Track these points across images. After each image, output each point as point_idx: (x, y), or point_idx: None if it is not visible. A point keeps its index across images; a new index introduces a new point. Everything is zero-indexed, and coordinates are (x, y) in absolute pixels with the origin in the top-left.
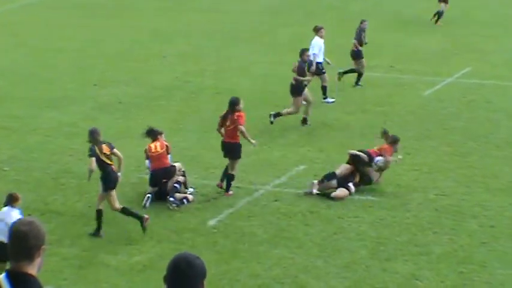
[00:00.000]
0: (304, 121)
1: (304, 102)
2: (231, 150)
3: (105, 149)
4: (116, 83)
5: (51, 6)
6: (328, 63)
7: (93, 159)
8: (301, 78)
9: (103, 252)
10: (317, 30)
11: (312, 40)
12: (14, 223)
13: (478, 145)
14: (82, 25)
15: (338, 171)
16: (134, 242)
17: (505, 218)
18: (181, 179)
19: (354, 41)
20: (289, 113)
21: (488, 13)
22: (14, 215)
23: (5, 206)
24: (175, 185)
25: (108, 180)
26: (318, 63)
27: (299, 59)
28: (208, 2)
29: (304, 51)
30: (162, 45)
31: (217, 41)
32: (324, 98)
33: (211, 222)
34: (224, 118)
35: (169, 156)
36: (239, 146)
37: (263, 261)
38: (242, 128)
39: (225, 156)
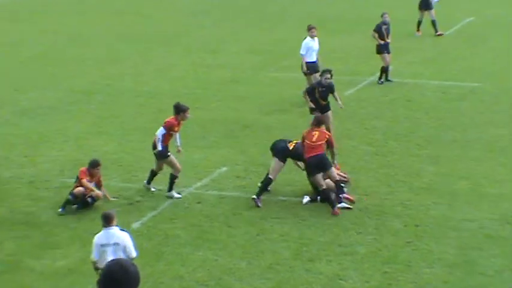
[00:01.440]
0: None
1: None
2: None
3: None
4: (34, 88)
5: None
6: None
7: None
8: (307, 99)
9: (27, 256)
10: (307, 30)
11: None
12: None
13: (399, 144)
14: None
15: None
16: (58, 246)
17: (428, 217)
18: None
19: (373, 34)
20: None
21: (406, 11)
22: (120, 234)
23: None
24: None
25: None
26: (306, 62)
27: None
28: (125, 4)
29: (323, 73)
30: (80, 49)
31: (134, 43)
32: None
33: (135, 225)
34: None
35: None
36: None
37: (187, 263)
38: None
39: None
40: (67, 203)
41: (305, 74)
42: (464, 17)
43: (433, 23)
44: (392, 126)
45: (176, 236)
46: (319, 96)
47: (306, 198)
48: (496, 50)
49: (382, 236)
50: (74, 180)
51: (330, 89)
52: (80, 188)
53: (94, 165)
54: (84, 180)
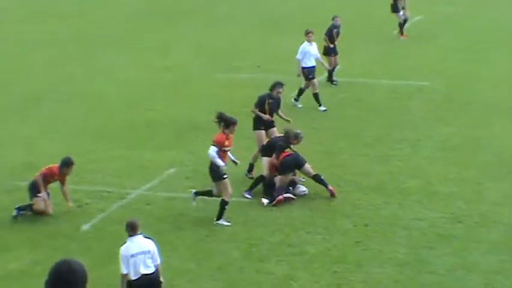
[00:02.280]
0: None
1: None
2: None
3: None
4: None
5: None
6: (323, 64)
7: None
8: (258, 113)
9: None
10: (305, 35)
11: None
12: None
13: (348, 144)
14: None
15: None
16: (10, 249)
17: (377, 217)
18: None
19: (325, 37)
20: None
21: (353, 11)
22: (147, 242)
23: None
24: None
25: None
26: (303, 68)
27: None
28: (73, 8)
29: (275, 86)
30: (28, 54)
31: (83, 47)
32: (319, 106)
33: (85, 227)
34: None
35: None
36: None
37: None
38: None
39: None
40: (23, 209)
41: (306, 79)
42: (413, 15)
43: (400, 24)
44: (341, 125)
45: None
46: (269, 108)
47: (265, 200)
48: (445, 48)
49: (332, 236)
50: (24, 183)
51: (278, 102)
52: (41, 205)
53: (68, 164)
54: (44, 186)
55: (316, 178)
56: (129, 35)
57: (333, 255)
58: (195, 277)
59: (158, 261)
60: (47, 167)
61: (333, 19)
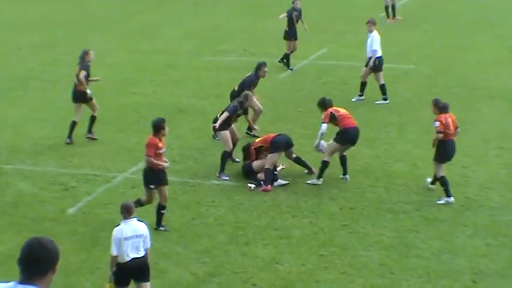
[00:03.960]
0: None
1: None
2: None
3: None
4: None
5: None
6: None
7: None
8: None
9: None
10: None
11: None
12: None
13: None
14: None
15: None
16: None
17: (364, 200)
18: None
19: (284, 16)
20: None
21: None
22: (141, 225)
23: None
24: None
25: None
26: (376, 58)
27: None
28: None
29: (260, 66)
30: (16, 37)
31: (71, 30)
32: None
33: (71, 211)
34: None
35: None
36: None
37: None
38: None
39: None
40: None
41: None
42: None
43: (393, 7)
44: None
45: (112, 221)
46: (254, 87)
47: (252, 185)
48: (431, 32)
49: (318, 219)
50: (9, 166)
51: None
52: (151, 197)
53: (161, 124)
54: (152, 159)
55: (298, 160)
56: (117, 18)
57: (319, 238)
58: (181, 260)
59: (149, 245)
60: (146, 143)
61: (293, 2)
